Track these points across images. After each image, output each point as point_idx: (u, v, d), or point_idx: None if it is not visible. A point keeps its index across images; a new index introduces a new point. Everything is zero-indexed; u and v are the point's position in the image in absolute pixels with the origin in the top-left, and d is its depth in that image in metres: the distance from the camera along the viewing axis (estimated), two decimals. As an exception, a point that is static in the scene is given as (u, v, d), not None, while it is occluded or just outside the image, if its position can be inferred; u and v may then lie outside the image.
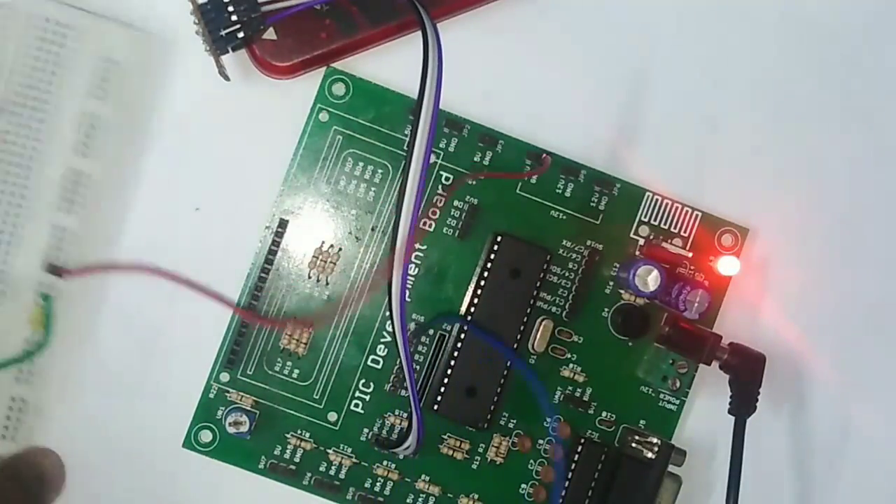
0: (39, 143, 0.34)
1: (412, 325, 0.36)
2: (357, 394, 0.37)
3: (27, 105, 0.34)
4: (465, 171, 0.37)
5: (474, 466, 0.37)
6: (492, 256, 0.36)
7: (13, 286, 0.34)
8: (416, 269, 0.36)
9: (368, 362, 0.37)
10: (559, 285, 0.37)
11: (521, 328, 0.36)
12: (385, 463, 0.37)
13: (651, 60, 0.38)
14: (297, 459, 0.37)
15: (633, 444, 0.37)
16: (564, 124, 0.37)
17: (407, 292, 0.33)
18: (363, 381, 0.37)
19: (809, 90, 0.38)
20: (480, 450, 0.37)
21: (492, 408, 0.36)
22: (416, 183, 0.30)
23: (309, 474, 0.37)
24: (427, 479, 0.37)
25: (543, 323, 0.37)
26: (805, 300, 0.39)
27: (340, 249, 0.36)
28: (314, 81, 0.36)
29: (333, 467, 0.37)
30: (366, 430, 0.37)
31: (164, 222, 0.36)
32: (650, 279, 0.36)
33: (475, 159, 0.37)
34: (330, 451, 0.37)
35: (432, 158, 0.36)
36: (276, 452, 0.37)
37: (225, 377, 0.36)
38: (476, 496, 0.37)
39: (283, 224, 0.36)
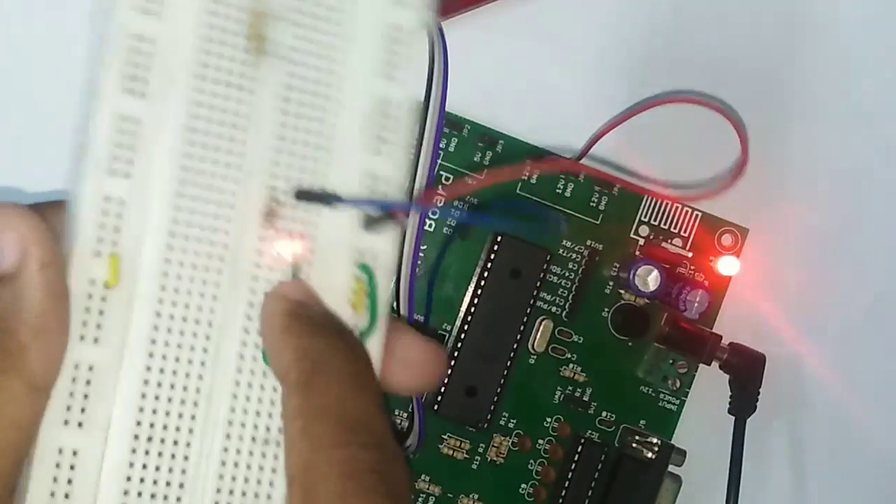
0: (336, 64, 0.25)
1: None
2: (357, 394, 0.36)
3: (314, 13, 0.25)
4: (466, 171, 0.37)
5: (474, 466, 0.37)
6: (492, 256, 0.36)
7: (324, 257, 0.25)
8: (416, 270, 0.36)
9: (368, 362, 0.36)
10: (559, 285, 0.37)
11: (521, 328, 0.36)
12: (385, 463, 0.37)
13: (650, 60, 0.38)
14: (296, 459, 0.37)
15: (633, 444, 0.37)
16: (565, 124, 0.37)
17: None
18: (363, 381, 0.36)
19: (809, 90, 0.38)
20: (480, 450, 0.37)
21: (492, 408, 0.36)
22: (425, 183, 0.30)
23: (309, 474, 0.37)
24: (427, 479, 0.37)
25: (543, 323, 0.37)
26: (805, 300, 0.39)
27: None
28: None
29: (333, 467, 0.37)
30: (366, 431, 0.37)
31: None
32: (650, 279, 0.36)
33: (475, 159, 0.37)
34: (330, 452, 0.37)
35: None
36: (276, 452, 0.36)
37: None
38: (476, 496, 0.37)
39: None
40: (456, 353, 0.36)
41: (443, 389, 0.36)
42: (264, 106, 0.24)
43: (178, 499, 0.23)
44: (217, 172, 0.23)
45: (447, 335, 0.36)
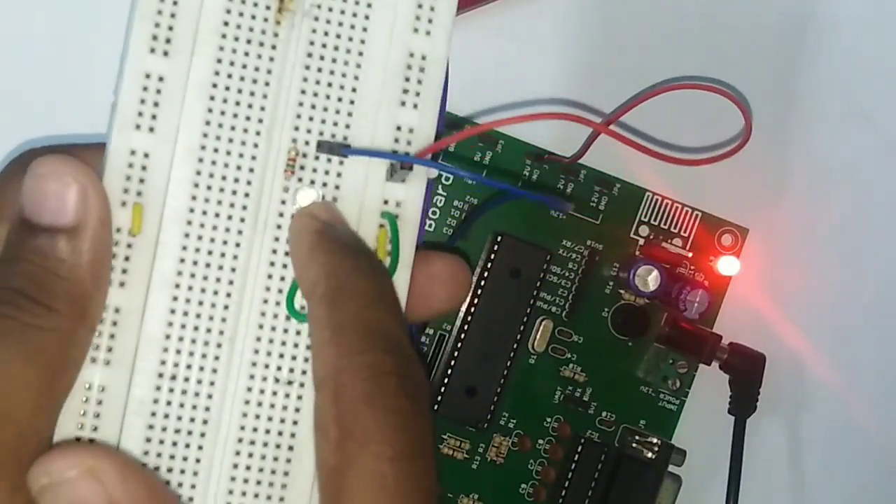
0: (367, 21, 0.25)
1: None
2: (357, 394, 0.36)
3: None
4: (465, 171, 0.36)
5: (474, 466, 0.37)
6: (492, 256, 0.36)
7: (348, 206, 0.25)
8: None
9: (368, 362, 0.36)
10: (559, 285, 0.37)
11: (521, 328, 0.36)
12: (385, 463, 0.37)
13: (653, 61, 0.38)
14: (296, 459, 0.37)
15: (633, 444, 0.37)
16: (564, 124, 0.37)
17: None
18: (363, 381, 0.36)
19: (809, 89, 0.38)
20: (480, 450, 0.37)
21: (492, 408, 0.36)
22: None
23: (309, 474, 0.37)
24: (427, 479, 0.37)
25: (543, 323, 0.37)
26: (805, 300, 0.39)
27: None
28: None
29: (333, 467, 0.37)
30: (366, 431, 0.37)
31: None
32: (650, 279, 0.36)
33: (475, 159, 0.37)
34: (330, 452, 0.37)
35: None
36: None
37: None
38: (476, 496, 0.37)
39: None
40: (456, 353, 0.36)
41: (443, 389, 0.36)
42: (289, 61, 0.25)
43: (202, 434, 0.24)
44: (240, 126, 0.24)
45: (447, 335, 0.36)
